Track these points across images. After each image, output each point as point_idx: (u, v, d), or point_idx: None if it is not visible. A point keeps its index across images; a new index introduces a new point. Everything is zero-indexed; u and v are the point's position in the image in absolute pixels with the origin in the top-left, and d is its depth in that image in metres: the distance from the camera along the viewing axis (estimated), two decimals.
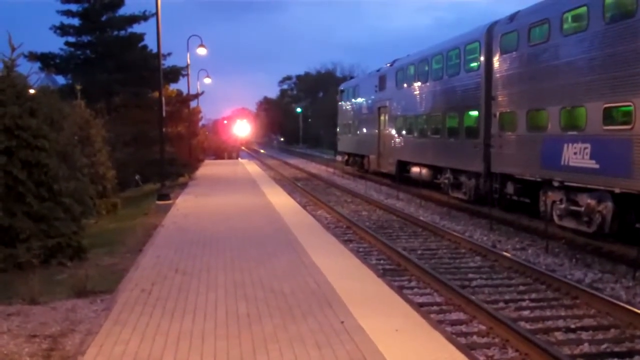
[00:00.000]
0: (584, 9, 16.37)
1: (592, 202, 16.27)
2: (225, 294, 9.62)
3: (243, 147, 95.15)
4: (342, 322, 8.06)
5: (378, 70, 38.49)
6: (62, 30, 36.06)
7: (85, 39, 36.92)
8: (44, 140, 13.58)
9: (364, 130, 41.08)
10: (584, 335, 9.60)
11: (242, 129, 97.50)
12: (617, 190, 15.05)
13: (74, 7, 35.62)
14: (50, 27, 35.83)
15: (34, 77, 16.97)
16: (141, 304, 9.13)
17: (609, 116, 15.28)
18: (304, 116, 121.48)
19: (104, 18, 36.67)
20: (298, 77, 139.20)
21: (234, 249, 13.40)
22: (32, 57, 33.66)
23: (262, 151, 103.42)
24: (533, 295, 11.83)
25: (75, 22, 36.24)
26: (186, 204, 22.00)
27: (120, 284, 10.57)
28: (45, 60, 35.04)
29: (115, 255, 14.16)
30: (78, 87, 24.08)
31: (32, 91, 15.60)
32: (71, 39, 36.68)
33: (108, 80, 33.86)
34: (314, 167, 52.94)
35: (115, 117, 31.50)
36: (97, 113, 24.50)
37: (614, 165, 14.93)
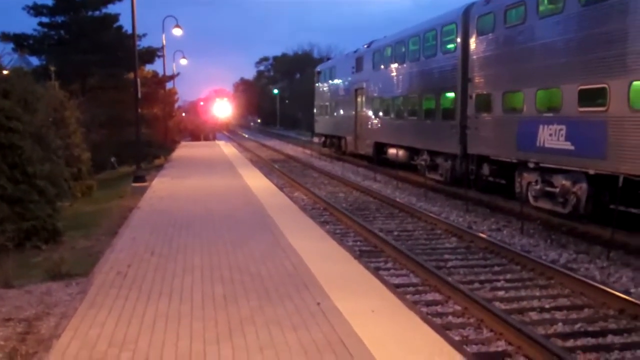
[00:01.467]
0: None
1: (567, 183, 16.41)
2: (202, 276, 9.60)
3: (224, 132, 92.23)
4: (319, 304, 8.07)
5: (355, 52, 38.39)
6: (36, 10, 35.59)
7: (59, 19, 36.49)
8: (18, 122, 13.47)
9: (341, 112, 41.03)
10: (558, 315, 9.70)
11: (223, 110, 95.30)
12: (591, 172, 15.17)
13: None
14: (23, 7, 35.39)
15: (7, 58, 16.82)
16: (117, 286, 9.09)
17: (584, 98, 15.37)
18: (281, 97, 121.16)
19: None
20: (275, 58, 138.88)
21: (210, 231, 13.36)
22: (5, 37, 33.28)
23: (245, 135, 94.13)
24: (508, 276, 11.93)
25: (49, 2, 35.81)
26: (162, 186, 21.89)
27: (95, 266, 10.51)
28: (19, 41, 34.60)
29: (91, 237, 14.10)
30: (52, 68, 23.80)
31: (5, 72, 15.42)
32: (45, 20, 36.27)
33: (82, 61, 33.47)
34: (291, 149, 52.88)
35: (90, 98, 31.24)
36: (72, 94, 24.28)
37: (588, 146, 15.04)
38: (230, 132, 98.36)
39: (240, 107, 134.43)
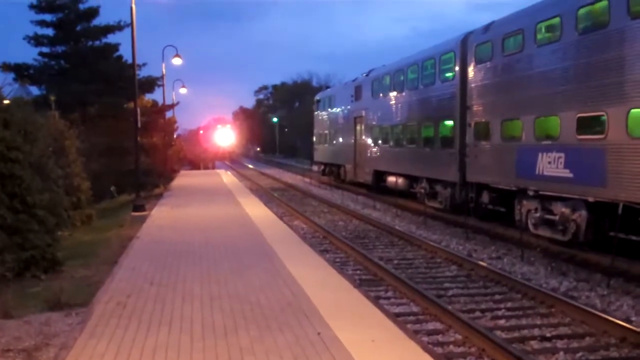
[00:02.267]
0: (557, 19, 16.56)
1: (567, 210, 16.40)
2: (201, 306, 9.58)
3: (226, 161, 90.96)
4: (319, 334, 8.04)
5: (354, 80, 38.59)
6: (36, 40, 35.72)
7: (60, 49, 36.60)
8: (18, 152, 13.45)
9: (340, 140, 41.12)
10: (559, 343, 9.66)
11: (226, 138, 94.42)
12: (591, 199, 15.19)
13: (48, 17, 35.31)
14: (24, 37, 35.54)
15: (8, 88, 16.83)
16: (116, 316, 9.06)
17: (582, 126, 15.43)
18: (281, 126, 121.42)
19: (78, 28, 36.38)
20: (274, 86, 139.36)
21: (210, 260, 13.35)
22: (6, 67, 33.35)
23: (244, 164, 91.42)
24: (509, 304, 11.89)
25: (50, 32, 35.93)
26: (162, 215, 21.88)
27: (95, 296, 10.48)
28: (19, 71, 34.67)
29: (91, 267, 14.02)
30: (52, 97, 23.85)
31: (6, 102, 15.47)
32: (45, 50, 36.35)
33: (83, 91, 33.53)
34: (290, 177, 52.89)
35: (90, 128, 31.20)
36: (72, 123, 24.29)
37: (587, 174, 15.07)
38: (232, 161, 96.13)
39: (240, 135, 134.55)
